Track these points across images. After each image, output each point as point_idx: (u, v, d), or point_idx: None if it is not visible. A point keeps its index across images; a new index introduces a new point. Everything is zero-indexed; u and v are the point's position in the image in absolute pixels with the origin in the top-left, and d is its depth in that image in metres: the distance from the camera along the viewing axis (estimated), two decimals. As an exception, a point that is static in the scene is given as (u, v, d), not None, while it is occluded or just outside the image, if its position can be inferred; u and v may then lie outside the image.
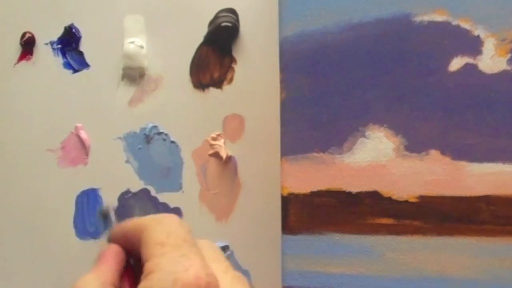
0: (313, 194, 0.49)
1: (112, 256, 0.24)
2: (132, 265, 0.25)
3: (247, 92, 0.59)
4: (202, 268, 0.20)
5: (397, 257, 0.47)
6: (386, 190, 0.47)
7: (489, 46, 0.45)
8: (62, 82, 0.68)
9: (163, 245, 0.21)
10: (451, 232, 0.46)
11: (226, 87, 0.60)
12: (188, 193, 0.61)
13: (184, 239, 0.21)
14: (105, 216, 0.30)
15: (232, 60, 0.60)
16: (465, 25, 0.45)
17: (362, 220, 0.48)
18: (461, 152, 0.45)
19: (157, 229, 0.22)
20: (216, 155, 0.60)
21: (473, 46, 0.45)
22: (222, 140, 0.60)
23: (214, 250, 0.23)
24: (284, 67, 0.51)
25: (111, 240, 0.25)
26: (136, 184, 0.64)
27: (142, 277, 0.20)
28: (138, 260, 0.22)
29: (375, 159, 0.48)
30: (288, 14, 0.50)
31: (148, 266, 0.20)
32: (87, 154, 0.66)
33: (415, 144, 0.47)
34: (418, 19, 0.46)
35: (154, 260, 0.20)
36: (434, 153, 0.46)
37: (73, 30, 0.67)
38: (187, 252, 0.20)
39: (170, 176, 0.62)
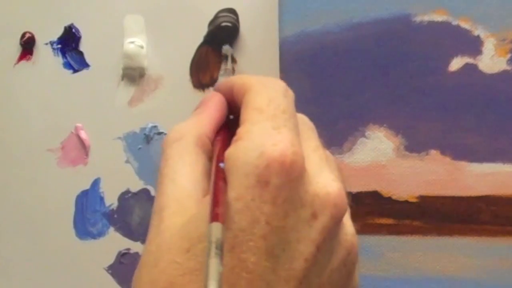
0: (313, 194, 0.49)
1: (215, 105, 0.23)
2: (231, 121, 0.23)
3: (247, 92, 0.59)
4: (291, 145, 0.19)
5: (397, 257, 0.47)
6: (386, 190, 0.47)
7: (489, 46, 0.45)
8: (62, 82, 0.67)
9: (260, 112, 0.20)
10: (451, 232, 0.46)
11: (226, 87, 0.60)
12: (188, 193, 0.61)
13: (283, 109, 0.20)
14: (225, 56, 0.28)
15: (232, 60, 0.60)
16: (465, 25, 0.45)
17: (362, 220, 0.48)
18: (461, 152, 0.45)
19: (260, 93, 0.21)
20: (216, 155, 0.60)
21: (473, 46, 0.45)
22: (222, 140, 0.60)
23: (308, 127, 0.22)
24: (284, 67, 0.51)
25: (216, 89, 0.24)
26: (136, 184, 0.64)
27: (233, 140, 0.20)
28: (238, 118, 0.21)
29: (375, 159, 0.48)
30: (288, 14, 0.50)
31: (240, 130, 0.20)
32: (87, 154, 0.66)
33: (415, 144, 0.47)
34: (418, 19, 0.46)
35: (247, 126, 0.20)
36: (434, 153, 0.46)
37: (73, 30, 0.67)
38: (281, 124, 0.20)
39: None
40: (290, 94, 0.22)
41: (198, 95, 0.61)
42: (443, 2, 0.46)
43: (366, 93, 0.48)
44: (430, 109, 0.46)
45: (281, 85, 0.22)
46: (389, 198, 0.47)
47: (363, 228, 0.48)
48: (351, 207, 0.21)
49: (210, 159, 0.22)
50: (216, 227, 0.17)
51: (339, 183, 0.20)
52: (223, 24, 0.60)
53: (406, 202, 0.47)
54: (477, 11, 0.45)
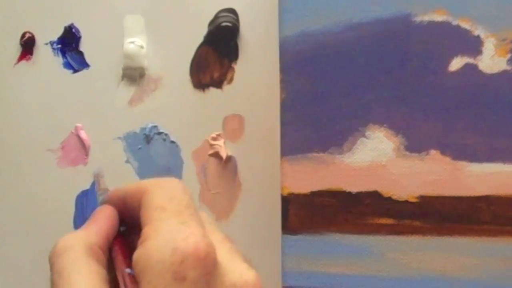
0: (313, 194, 0.49)
1: (104, 216, 0.23)
2: (125, 231, 0.23)
3: (247, 92, 0.59)
4: (202, 238, 0.19)
5: (397, 257, 0.47)
6: (386, 190, 0.47)
7: (489, 46, 0.45)
8: (62, 82, 0.67)
9: (163, 210, 0.20)
10: (451, 232, 0.46)
11: (226, 87, 0.60)
12: (188, 193, 0.61)
13: (186, 205, 0.20)
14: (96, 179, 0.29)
15: (232, 60, 0.60)
16: (465, 25, 0.45)
17: (362, 220, 0.48)
18: (461, 152, 0.45)
19: (159, 193, 0.21)
20: (216, 155, 0.60)
21: (473, 46, 0.45)
22: (222, 140, 0.60)
23: (210, 221, 0.22)
24: (284, 67, 0.51)
25: (105, 202, 0.24)
26: (136, 184, 0.64)
27: (139, 242, 0.20)
28: (133, 226, 0.21)
29: (375, 159, 0.48)
30: (288, 14, 0.50)
31: (146, 231, 0.20)
32: (87, 154, 0.66)
33: (415, 144, 0.47)
34: (418, 19, 0.46)
35: (153, 225, 0.20)
36: (434, 153, 0.46)
37: (73, 30, 0.67)
38: (188, 219, 0.20)
39: (170, 176, 0.62)
40: (188, 191, 0.22)
41: (198, 95, 0.62)
42: (443, 2, 0.46)
43: (366, 93, 0.48)
44: (430, 109, 0.46)
45: (178, 183, 0.22)
46: (389, 198, 0.47)
47: (363, 228, 0.48)
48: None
49: (105, 268, 0.21)
50: None
51: (254, 271, 0.20)
52: (223, 24, 0.60)
53: (406, 202, 0.47)
54: (477, 11, 0.45)
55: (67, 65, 0.68)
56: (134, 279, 0.19)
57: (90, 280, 0.20)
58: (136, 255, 0.19)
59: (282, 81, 0.51)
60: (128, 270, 0.20)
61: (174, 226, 0.19)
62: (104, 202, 0.24)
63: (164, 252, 0.18)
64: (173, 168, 0.62)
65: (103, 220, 0.23)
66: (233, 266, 0.20)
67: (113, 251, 0.22)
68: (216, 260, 0.19)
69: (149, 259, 0.19)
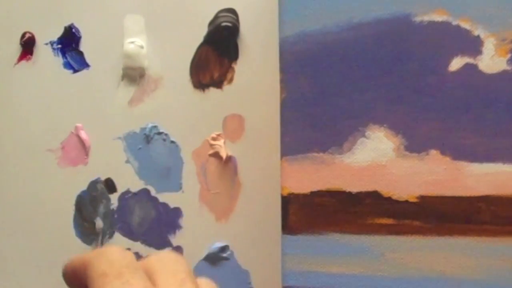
0: (313, 194, 0.49)
1: None
2: None
3: (247, 92, 0.59)
4: None
5: (397, 257, 0.47)
6: (386, 190, 0.47)
7: (489, 46, 0.45)
8: (62, 82, 0.68)
9: (105, 276, 0.21)
10: (451, 232, 0.46)
11: (226, 87, 0.60)
12: (188, 193, 0.61)
13: (126, 266, 0.21)
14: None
15: (232, 60, 0.60)
16: (465, 25, 0.45)
17: (362, 220, 0.48)
18: (461, 152, 0.45)
19: (99, 261, 0.21)
20: (216, 155, 0.60)
21: (473, 46, 0.45)
22: (222, 140, 0.60)
23: (172, 262, 0.23)
24: (284, 67, 0.51)
25: (65, 278, 0.25)
26: (136, 184, 0.64)
27: None
28: None
29: (375, 159, 0.48)
30: (288, 14, 0.50)
31: None
32: (87, 154, 0.66)
33: (415, 144, 0.47)
34: (418, 19, 0.46)
35: None
36: (434, 153, 0.46)
37: (73, 30, 0.67)
38: (129, 278, 0.20)
39: (170, 176, 0.62)
40: (129, 253, 0.22)
41: (198, 95, 0.62)
42: (443, 2, 0.46)
43: (366, 93, 0.48)
44: (430, 109, 0.46)
45: (116, 248, 0.22)
46: (389, 198, 0.47)
47: (363, 228, 0.48)
48: None
49: None
50: None
51: None
52: (223, 24, 0.60)
53: (406, 202, 0.47)
54: (477, 11, 0.45)
55: (67, 65, 0.68)
56: None
57: None
58: None
59: (282, 81, 0.51)
60: None
61: None
62: (63, 276, 0.25)
63: None
64: (173, 168, 0.62)
65: None
66: None
67: None
68: None
69: None
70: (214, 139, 0.60)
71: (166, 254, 0.23)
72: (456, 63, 0.46)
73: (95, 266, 0.21)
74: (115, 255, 0.22)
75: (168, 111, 0.63)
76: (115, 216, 0.65)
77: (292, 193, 0.50)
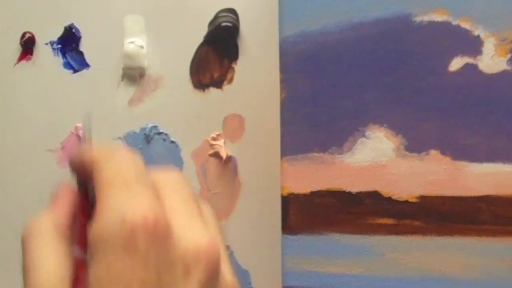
0: (313, 194, 0.49)
1: (66, 196, 0.24)
2: (89, 198, 0.24)
3: (247, 92, 0.59)
4: (149, 207, 0.19)
5: (397, 257, 0.47)
6: (386, 190, 0.47)
7: (489, 46, 0.45)
8: (62, 82, 0.67)
9: (112, 185, 0.20)
10: (451, 232, 0.46)
11: (226, 87, 0.60)
12: (188, 193, 0.61)
13: (135, 175, 0.21)
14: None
15: (232, 60, 0.60)
16: (465, 25, 0.45)
17: (362, 220, 0.48)
18: (461, 152, 0.45)
19: (106, 167, 0.21)
20: (216, 155, 0.60)
21: (473, 46, 0.45)
22: (222, 140, 0.60)
23: (176, 181, 0.22)
24: (284, 67, 0.51)
25: (71, 165, 0.25)
26: (136, 184, 0.64)
27: (93, 220, 0.20)
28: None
29: (375, 159, 0.48)
30: (288, 14, 0.50)
31: (98, 207, 0.20)
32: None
33: (415, 144, 0.47)
34: (418, 19, 0.46)
35: (103, 201, 0.20)
36: (434, 153, 0.46)
37: (73, 30, 0.67)
38: (136, 190, 0.20)
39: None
40: (138, 160, 0.22)
41: (198, 95, 0.62)
42: (443, 2, 0.46)
43: (366, 93, 0.48)
44: (430, 109, 0.46)
45: (126, 153, 0.22)
46: (389, 198, 0.47)
47: (363, 228, 0.48)
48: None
49: (72, 243, 0.22)
50: None
51: (209, 234, 0.20)
52: (223, 24, 0.60)
53: (406, 202, 0.47)
54: (477, 11, 0.45)
55: (67, 65, 0.68)
56: (83, 261, 0.20)
57: (57, 260, 0.21)
58: (90, 231, 0.20)
59: (282, 81, 0.51)
60: (77, 252, 0.21)
61: (121, 199, 0.20)
62: (69, 164, 0.25)
63: (113, 226, 0.19)
64: (173, 167, 0.62)
65: (65, 200, 0.24)
66: (188, 231, 0.20)
67: (77, 224, 0.23)
68: (168, 226, 0.19)
69: (100, 234, 0.19)
70: (214, 139, 0.60)
71: (173, 173, 0.23)
72: (456, 63, 0.46)
73: (103, 169, 0.21)
74: (124, 160, 0.21)
75: (168, 111, 0.63)
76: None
77: (292, 193, 0.50)
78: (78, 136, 0.67)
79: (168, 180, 0.22)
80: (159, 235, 0.19)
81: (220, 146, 0.60)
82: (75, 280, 0.19)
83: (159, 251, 0.19)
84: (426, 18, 0.46)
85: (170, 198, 0.21)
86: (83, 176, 0.23)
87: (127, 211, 0.19)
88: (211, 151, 0.61)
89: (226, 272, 0.21)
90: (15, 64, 0.70)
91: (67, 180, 0.25)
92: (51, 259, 0.21)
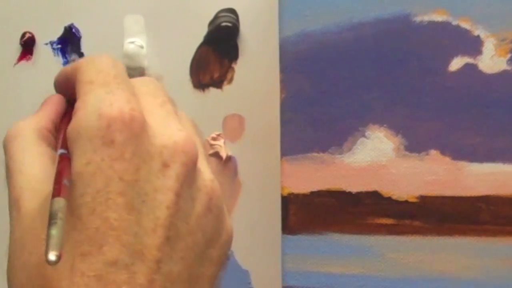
0: (313, 194, 0.49)
1: (51, 101, 0.25)
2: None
3: (247, 92, 0.59)
4: (126, 103, 0.20)
5: (397, 257, 0.47)
6: (386, 190, 0.47)
7: (489, 46, 0.45)
8: (62, 82, 0.67)
9: (91, 83, 0.21)
10: (451, 232, 0.46)
11: (226, 87, 0.60)
12: (188, 193, 0.61)
13: (114, 76, 0.21)
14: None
15: (232, 60, 0.60)
16: (465, 25, 0.45)
17: (362, 220, 0.48)
18: (461, 152, 0.45)
19: (88, 68, 0.21)
20: (216, 155, 0.60)
21: (473, 46, 0.45)
22: (222, 140, 0.60)
23: (154, 86, 0.23)
24: (284, 67, 0.51)
25: (55, 82, 0.25)
26: (136, 184, 0.64)
27: (72, 116, 0.20)
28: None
29: (375, 159, 0.48)
30: (288, 14, 0.50)
31: (76, 105, 0.20)
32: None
33: (415, 144, 0.47)
34: (418, 19, 0.46)
35: (82, 98, 0.20)
36: (434, 153, 0.46)
37: (73, 30, 0.67)
38: (114, 88, 0.20)
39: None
40: (120, 64, 0.22)
41: (198, 95, 0.62)
42: (443, 2, 0.46)
43: (366, 93, 0.48)
44: (430, 109, 0.46)
45: (108, 58, 0.22)
46: (389, 198, 0.47)
47: (363, 228, 0.48)
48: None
49: (55, 149, 0.22)
50: (57, 201, 0.18)
51: (186, 131, 0.21)
52: (223, 24, 0.60)
53: (406, 202, 0.47)
54: (477, 11, 0.45)
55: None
56: (66, 156, 0.20)
57: (38, 160, 0.21)
58: (69, 128, 0.20)
59: (282, 81, 0.51)
60: (60, 151, 0.21)
61: (100, 96, 0.20)
62: (54, 83, 0.25)
63: (90, 120, 0.19)
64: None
65: (51, 106, 0.24)
66: (165, 128, 0.21)
67: (60, 130, 0.23)
68: (144, 122, 0.20)
69: (78, 128, 0.19)
70: (214, 139, 0.60)
71: (149, 79, 0.23)
72: (456, 63, 0.46)
73: (83, 71, 0.21)
74: (104, 63, 0.22)
75: (168, 111, 0.63)
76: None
77: (292, 193, 0.50)
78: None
79: (146, 85, 0.23)
80: (135, 129, 0.19)
81: (220, 146, 0.60)
82: (59, 177, 0.19)
83: (136, 145, 0.19)
84: (426, 18, 0.46)
85: (147, 100, 0.21)
86: (68, 92, 0.24)
87: (104, 105, 0.19)
88: (211, 151, 0.61)
89: (205, 170, 0.21)
90: (15, 64, 0.70)
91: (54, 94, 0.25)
92: (33, 159, 0.21)
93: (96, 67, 0.21)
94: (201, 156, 0.22)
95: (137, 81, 0.22)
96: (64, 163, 0.20)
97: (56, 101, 0.25)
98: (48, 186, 0.20)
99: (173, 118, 0.22)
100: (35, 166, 0.21)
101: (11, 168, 0.21)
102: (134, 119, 0.19)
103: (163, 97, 0.23)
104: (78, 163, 0.19)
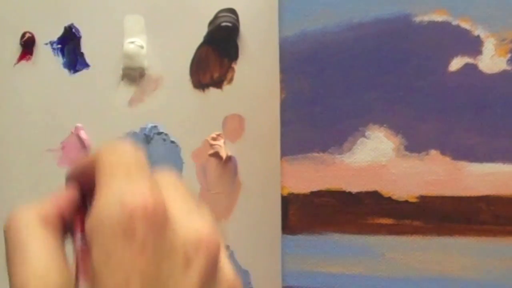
0: (313, 194, 0.49)
1: (60, 192, 0.24)
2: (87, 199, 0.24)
3: (247, 92, 0.59)
4: (149, 192, 0.19)
5: (397, 257, 0.47)
6: (386, 190, 0.47)
7: (489, 46, 0.45)
8: (62, 82, 0.67)
9: (113, 173, 0.20)
10: (451, 232, 0.46)
11: (226, 87, 0.60)
12: (188, 193, 0.61)
13: (136, 165, 0.20)
14: None
15: (232, 60, 0.60)
16: (465, 25, 0.45)
17: (362, 220, 0.48)
18: (461, 152, 0.45)
19: (109, 157, 0.21)
20: (216, 155, 0.60)
21: (473, 46, 0.45)
22: (222, 140, 0.60)
23: (174, 179, 0.23)
24: (284, 67, 0.51)
25: (68, 178, 0.24)
26: (136, 184, 0.64)
27: (92, 207, 0.20)
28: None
29: (375, 159, 0.48)
30: (288, 14, 0.50)
31: (97, 194, 0.20)
32: (87, 154, 0.66)
33: (415, 144, 0.47)
34: (418, 19, 0.46)
35: (103, 188, 0.20)
36: (434, 153, 0.46)
37: (73, 30, 0.67)
38: (136, 178, 0.20)
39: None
40: (141, 153, 0.22)
41: (198, 95, 0.62)
42: (443, 2, 0.46)
43: (366, 93, 0.48)
44: (430, 109, 0.46)
45: (129, 146, 0.22)
46: (389, 198, 0.47)
47: (363, 228, 0.48)
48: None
49: (62, 238, 0.22)
50: None
51: (208, 224, 0.20)
52: (223, 24, 0.60)
53: (406, 202, 0.47)
54: (477, 11, 0.45)
55: (67, 65, 0.68)
56: (84, 248, 0.19)
57: (47, 248, 0.20)
58: (88, 219, 0.19)
59: (282, 81, 0.51)
60: (78, 242, 0.20)
61: (122, 185, 0.19)
62: (66, 179, 0.24)
63: (112, 211, 0.19)
64: (173, 168, 0.62)
65: (58, 194, 0.23)
66: (187, 221, 0.20)
67: (75, 220, 0.22)
68: (167, 214, 0.19)
69: (98, 218, 0.19)
70: (214, 139, 0.60)
71: (170, 172, 0.23)
72: (456, 63, 0.46)
73: (104, 161, 0.21)
74: (127, 152, 0.21)
75: (168, 111, 0.63)
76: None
77: (292, 193, 0.50)
78: (78, 136, 0.67)
79: (167, 177, 0.22)
80: (158, 220, 0.19)
81: (220, 146, 0.60)
82: (77, 270, 0.19)
83: (158, 238, 0.19)
84: (426, 18, 0.46)
85: (169, 191, 0.21)
86: (83, 180, 0.23)
87: (126, 196, 0.19)
88: (211, 151, 0.61)
89: (227, 266, 0.21)
90: (15, 64, 0.70)
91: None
92: (38, 247, 0.20)
93: (117, 155, 0.21)
94: (223, 250, 0.21)
95: (158, 172, 0.22)
96: (82, 255, 0.19)
97: (66, 191, 0.24)
98: (56, 275, 0.19)
99: (194, 211, 0.21)
100: (41, 254, 0.20)
101: (15, 256, 0.20)
102: (156, 210, 0.19)
103: (183, 190, 0.22)
104: (98, 255, 0.18)
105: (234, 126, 0.60)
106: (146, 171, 0.21)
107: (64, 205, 0.23)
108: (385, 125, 0.47)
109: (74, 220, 0.22)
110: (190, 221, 0.20)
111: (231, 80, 0.60)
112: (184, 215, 0.20)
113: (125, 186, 0.19)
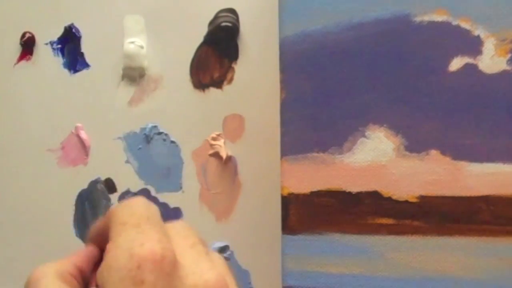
0: (313, 194, 0.49)
1: (78, 251, 0.24)
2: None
3: (247, 92, 0.59)
4: (158, 243, 0.20)
5: (397, 257, 0.47)
6: (386, 190, 0.47)
7: (489, 46, 0.45)
8: (62, 82, 0.68)
9: (123, 225, 0.21)
10: (451, 232, 0.46)
11: (226, 87, 0.60)
12: (188, 193, 0.61)
13: (147, 217, 0.21)
14: None
15: (232, 60, 0.60)
16: (465, 25, 0.45)
17: (362, 220, 0.48)
18: (461, 152, 0.45)
19: (122, 211, 0.22)
20: (216, 155, 0.60)
21: (473, 46, 0.45)
22: (222, 140, 0.60)
23: (186, 228, 0.23)
24: (284, 67, 0.51)
25: (88, 239, 0.25)
26: (136, 184, 0.64)
27: (103, 257, 0.21)
28: None
29: (375, 159, 0.48)
30: (288, 14, 0.50)
31: (108, 246, 0.21)
32: (87, 154, 0.66)
33: (415, 144, 0.47)
34: (418, 19, 0.46)
35: (114, 239, 0.20)
36: (434, 153, 0.46)
37: (73, 30, 0.67)
38: (145, 229, 0.20)
39: (170, 176, 0.62)
40: (154, 207, 0.23)
41: (198, 95, 0.62)
42: (443, 2, 0.46)
43: (366, 93, 0.48)
44: (430, 109, 0.46)
45: (142, 200, 0.22)
46: (389, 198, 0.47)
47: (363, 228, 0.48)
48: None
49: None
50: None
51: (217, 270, 0.21)
52: (223, 24, 0.60)
53: (406, 202, 0.47)
54: (477, 11, 0.45)
55: (67, 65, 0.68)
56: None
57: None
58: (99, 270, 0.20)
59: (282, 81, 0.51)
60: None
61: (131, 236, 0.20)
62: (86, 241, 0.25)
63: (121, 260, 0.19)
64: (173, 168, 0.62)
65: (77, 253, 0.24)
66: (196, 268, 0.20)
67: (90, 281, 0.23)
68: (176, 262, 0.20)
69: (109, 270, 0.19)
70: (214, 139, 0.60)
71: (181, 222, 0.23)
72: (456, 63, 0.46)
73: (117, 215, 0.22)
74: (137, 206, 0.22)
75: (168, 111, 0.63)
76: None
77: (292, 193, 0.50)
78: (78, 136, 0.67)
79: (177, 227, 0.23)
80: (166, 267, 0.19)
81: (220, 146, 0.60)
82: None
83: (167, 285, 0.19)
84: (426, 18, 0.46)
85: (178, 241, 0.21)
86: (100, 239, 0.24)
87: (135, 246, 0.19)
88: (211, 151, 0.61)
89: None
90: (15, 64, 0.70)
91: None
92: None
93: (129, 209, 0.21)
94: None
95: (168, 224, 0.23)
96: None
97: (86, 250, 0.24)
98: None
99: (204, 258, 0.21)
100: None
101: None
102: (165, 258, 0.19)
103: (194, 238, 0.23)
104: None
105: (234, 126, 0.60)
106: (156, 223, 0.21)
107: (83, 262, 0.24)
108: (385, 125, 0.47)
109: (91, 276, 0.23)
110: (199, 267, 0.21)
111: (231, 80, 0.60)
112: (192, 263, 0.21)
113: (134, 236, 0.20)
